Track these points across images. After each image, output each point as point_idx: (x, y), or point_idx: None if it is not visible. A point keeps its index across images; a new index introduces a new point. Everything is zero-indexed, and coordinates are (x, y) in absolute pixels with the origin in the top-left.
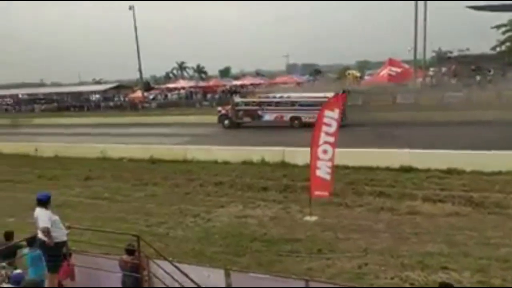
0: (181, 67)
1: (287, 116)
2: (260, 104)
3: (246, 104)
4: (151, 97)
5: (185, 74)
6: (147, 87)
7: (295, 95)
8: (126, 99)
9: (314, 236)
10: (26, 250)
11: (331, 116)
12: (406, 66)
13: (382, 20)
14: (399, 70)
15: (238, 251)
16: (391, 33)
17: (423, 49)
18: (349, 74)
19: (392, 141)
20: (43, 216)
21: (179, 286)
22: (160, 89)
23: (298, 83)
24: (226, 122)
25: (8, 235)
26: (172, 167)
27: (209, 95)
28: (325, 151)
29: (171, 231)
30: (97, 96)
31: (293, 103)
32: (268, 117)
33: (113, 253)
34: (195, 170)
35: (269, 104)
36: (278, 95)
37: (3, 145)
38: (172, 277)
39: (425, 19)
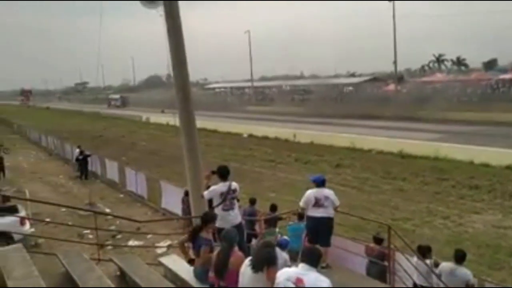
0: (438, 59)
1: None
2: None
3: (110, 99)
4: (404, 90)
5: (443, 67)
6: (400, 80)
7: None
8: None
9: None
10: (294, 222)
11: None
12: None
13: None
14: None
15: (493, 264)
16: None
17: None
18: None
19: None
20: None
21: (425, 283)
22: (414, 83)
23: None
24: (116, 106)
25: (274, 207)
26: (422, 163)
27: (469, 90)
28: None
29: (417, 228)
30: (350, 88)
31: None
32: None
33: (360, 239)
34: (447, 169)
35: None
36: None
37: (267, 130)
38: (418, 271)
39: None
